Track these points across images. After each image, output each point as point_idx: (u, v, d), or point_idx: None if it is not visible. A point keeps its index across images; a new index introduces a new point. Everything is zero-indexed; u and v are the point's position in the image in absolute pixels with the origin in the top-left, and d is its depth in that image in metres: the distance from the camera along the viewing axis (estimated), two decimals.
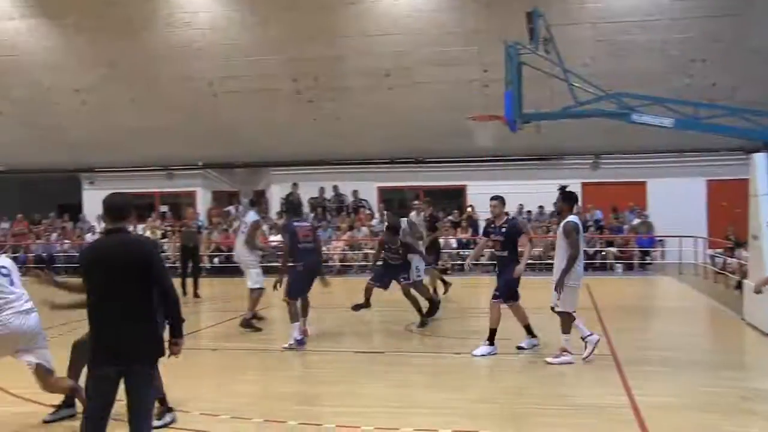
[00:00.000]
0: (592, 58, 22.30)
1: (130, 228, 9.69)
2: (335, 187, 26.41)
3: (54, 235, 27.44)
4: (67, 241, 26.97)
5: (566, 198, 9.99)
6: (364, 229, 25.40)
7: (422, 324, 12.78)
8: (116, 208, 5.42)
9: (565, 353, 9.66)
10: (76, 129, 26.93)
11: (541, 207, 25.24)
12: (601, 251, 23.70)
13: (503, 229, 10.63)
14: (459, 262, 24.16)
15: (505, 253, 10.54)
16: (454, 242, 24.56)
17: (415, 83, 23.82)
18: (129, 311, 5.11)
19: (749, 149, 13.87)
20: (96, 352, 5.17)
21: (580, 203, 24.87)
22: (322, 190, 26.77)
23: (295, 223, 11.50)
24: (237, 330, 12.59)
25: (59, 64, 25.41)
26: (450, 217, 25.43)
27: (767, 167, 12.15)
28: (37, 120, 26.88)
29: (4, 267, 6.90)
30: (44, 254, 26.58)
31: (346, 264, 24.46)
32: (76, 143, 27.32)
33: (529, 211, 25.37)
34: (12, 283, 6.85)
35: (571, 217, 9.79)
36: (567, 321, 9.78)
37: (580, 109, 13.54)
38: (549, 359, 9.70)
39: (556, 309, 9.86)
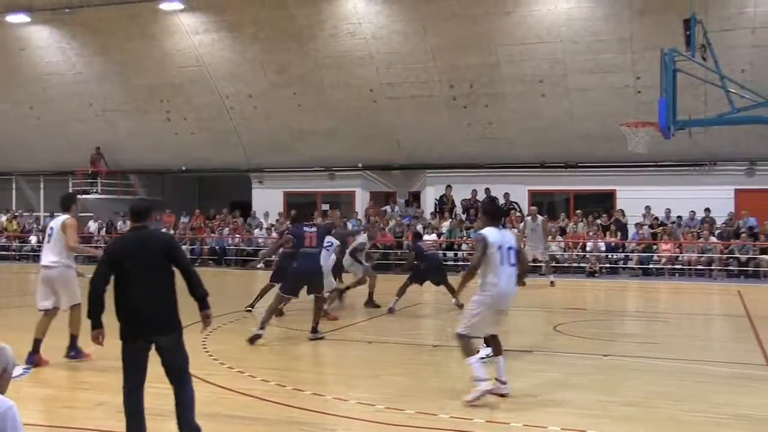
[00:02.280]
0: (750, 64, 21.47)
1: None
2: (487, 190, 26.24)
3: (226, 230, 28.52)
4: (237, 235, 27.93)
5: (484, 209, 8.23)
6: (515, 231, 24.95)
7: None
8: (139, 211, 6.07)
9: (478, 382, 7.41)
10: (248, 132, 28.09)
11: (692, 212, 24.25)
12: (754, 258, 22.47)
13: None
14: (607, 265, 23.64)
15: None
16: (602, 245, 23.86)
17: (568, 90, 23.57)
18: (153, 292, 5.76)
19: None
20: (128, 326, 5.77)
21: (732, 210, 23.89)
22: (474, 192, 26.65)
23: (305, 229, 11.25)
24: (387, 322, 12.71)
25: (235, 72, 26.59)
26: (599, 221, 24.81)
27: None
28: (214, 124, 28.21)
29: None
30: (217, 247, 27.72)
31: None
32: (248, 145, 28.45)
33: (679, 217, 24.41)
34: None
35: (486, 230, 7.49)
36: (463, 346, 7.57)
37: (738, 116, 13.05)
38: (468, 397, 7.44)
39: (456, 330, 7.70)
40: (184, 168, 30.56)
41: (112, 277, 5.86)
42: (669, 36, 14.56)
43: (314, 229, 11.25)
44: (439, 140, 26.02)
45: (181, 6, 25.38)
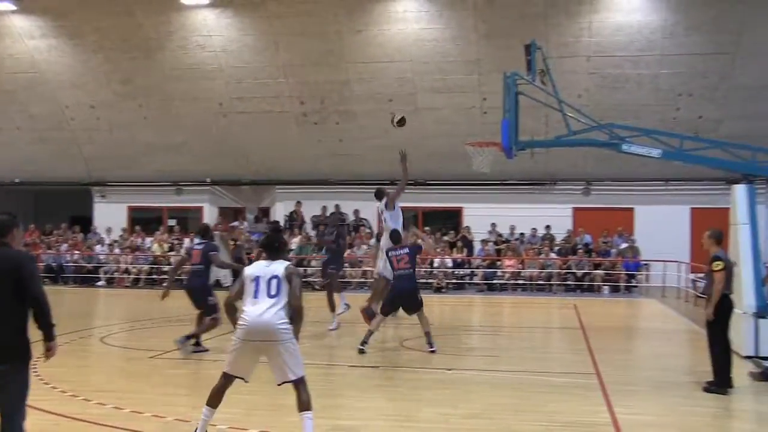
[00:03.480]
0: (586, 89, 22.62)
1: (139, 241, 10.43)
2: (337, 206, 26.45)
3: (64, 246, 27.42)
4: (77, 251, 26.94)
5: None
6: (364, 247, 25.36)
7: None
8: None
9: None
10: (90, 144, 27.16)
11: (534, 229, 25.38)
12: (589, 273, 23.82)
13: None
14: (453, 281, 24.31)
15: None
16: (449, 262, 24.57)
17: (417, 109, 24.02)
18: (1, 316, 5.44)
19: (731, 180, 13.98)
20: None
21: (570, 227, 25.23)
22: (324, 208, 26.74)
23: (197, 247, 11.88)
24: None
25: (76, 82, 25.64)
26: (446, 237, 25.52)
27: (747, 198, 12.25)
28: (52, 135, 27.08)
29: None
30: (54, 264, 26.60)
31: (344, 281, 24.25)
32: (90, 158, 27.53)
33: (522, 233, 25.51)
34: None
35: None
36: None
37: (574, 138, 13.63)
38: None
39: None
40: (17, 180, 29.13)
41: None
42: (513, 60, 15.15)
43: (202, 245, 11.39)
44: (290, 156, 26.04)
45: (13, 7, 24.14)
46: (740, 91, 22.28)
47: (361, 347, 11.88)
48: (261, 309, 6.69)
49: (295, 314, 6.87)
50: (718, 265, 9.51)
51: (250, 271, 6.92)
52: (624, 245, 24.45)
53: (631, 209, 25.68)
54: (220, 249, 14.79)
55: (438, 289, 23.61)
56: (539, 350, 12.20)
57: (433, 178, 26.20)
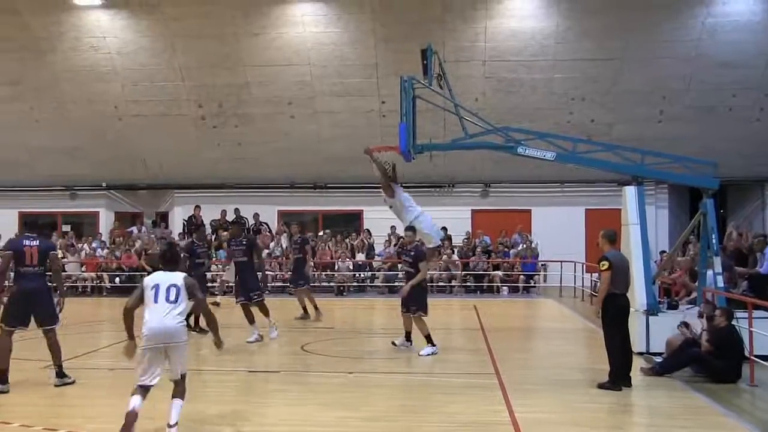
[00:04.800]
0: (482, 93, 22.94)
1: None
2: (236, 210, 26.14)
3: None
4: None
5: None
6: (264, 251, 24.99)
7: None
8: None
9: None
10: None
11: None
12: (488, 274, 24.12)
13: (412, 253, 12.31)
14: (354, 283, 24.30)
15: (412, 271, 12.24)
16: (350, 264, 24.52)
17: (316, 112, 24.01)
18: None
19: (622, 182, 14.35)
20: None
21: (468, 229, 25.60)
22: (224, 212, 26.43)
23: (25, 242, 9.70)
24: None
25: None
26: (347, 240, 25.50)
27: (636, 199, 12.59)
28: None
29: None
30: None
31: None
32: None
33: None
34: None
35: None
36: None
37: (470, 142, 13.69)
38: None
39: None
40: None
41: None
42: (411, 64, 15.10)
43: (36, 243, 9.61)
44: (188, 160, 25.62)
45: None
46: (629, 96, 22.97)
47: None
48: (162, 314, 7.23)
49: (206, 319, 8.06)
50: (603, 265, 9.73)
51: (149, 280, 7.41)
52: (522, 246, 24.87)
53: (528, 211, 26.20)
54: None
55: (339, 292, 23.54)
56: (440, 351, 12.22)
57: (333, 181, 26.38)
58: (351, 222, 27.18)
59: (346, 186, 26.20)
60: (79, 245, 26.03)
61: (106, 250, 25.79)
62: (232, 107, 24.31)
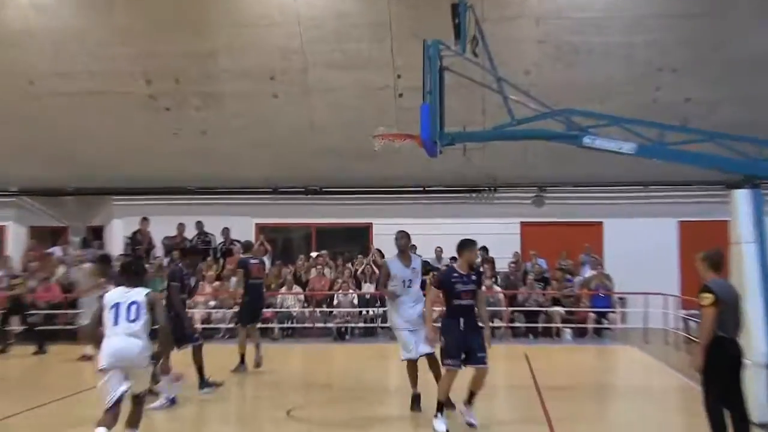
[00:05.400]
0: (535, 64, 22.75)
1: None
2: (199, 224, 26.15)
3: None
4: None
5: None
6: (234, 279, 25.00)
7: None
8: None
9: None
10: None
11: None
12: (544, 311, 23.94)
13: (473, 277, 11.90)
14: (361, 324, 24.52)
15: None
16: (354, 298, 24.58)
17: (308, 90, 23.87)
18: None
19: (730, 184, 14.26)
20: None
21: (517, 248, 25.53)
22: (181, 227, 26.54)
23: None
24: None
25: None
26: (351, 265, 25.56)
27: (751, 207, 12.32)
28: None
29: None
30: None
31: (210, 327, 24.08)
32: None
33: (453, 258, 25.34)
34: None
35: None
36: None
37: (519, 130, 13.66)
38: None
39: None
40: None
41: None
42: (437, 23, 15.04)
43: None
44: (132, 154, 25.56)
45: None
46: (739, 65, 22.55)
47: None
48: (121, 335, 9.37)
49: (161, 338, 9.92)
50: (706, 299, 9.63)
51: (108, 297, 9.50)
52: (590, 273, 24.75)
53: (598, 224, 26.26)
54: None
55: (340, 335, 23.56)
56: (484, 419, 12.05)
57: (330, 185, 26.49)
58: (355, 239, 27.33)
59: (350, 191, 26.33)
60: None
61: (16, 280, 25.49)
62: (192, 83, 24.17)
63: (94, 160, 26.10)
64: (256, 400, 13.42)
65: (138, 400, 9.71)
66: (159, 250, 26.95)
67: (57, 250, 27.33)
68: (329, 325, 24.05)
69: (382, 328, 24.23)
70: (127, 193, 27.38)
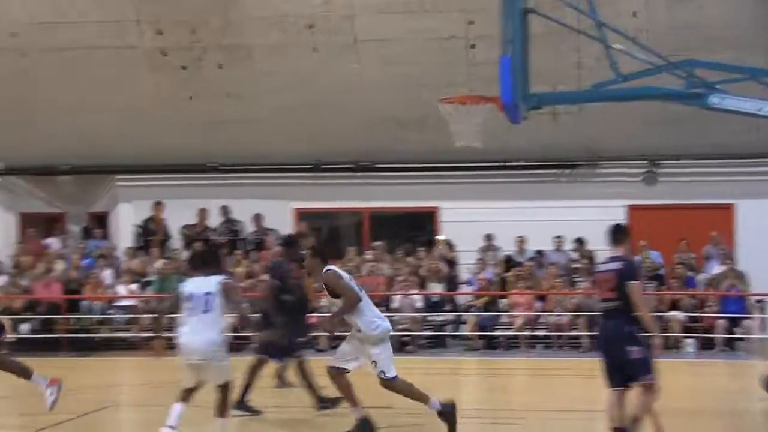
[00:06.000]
0: (645, 3, 22.41)
1: None
2: (225, 209, 26.50)
3: None
4: None
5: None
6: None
7: None
8: None
9: None
10: None
11: (558, 242, 25.51)
12: (660, 317, 23.32)
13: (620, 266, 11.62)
14: (428, 333, 24.44)
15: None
16: (418, 301, 24.37)
17: (356, 43, 23.83)
18: None
19: None
20: None
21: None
22: (203, 213, 26.73)
23: None
24: None
25: None
26: (413, 258, 25.51)
27: None
28: None
29: None
30: None
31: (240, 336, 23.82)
32: None
33: (539, 251, 25.37)
34: None
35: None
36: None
37: (625, 89, 13.66)
38: None
39: None
40: None
41: None
42: None
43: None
44: (139, 124, 25.67)
45: None
46: None
47: None
48: (192, 326, 11.02)
49: (244, 323, 12.78)
50: None
51: (185, 288, 11.25)
52: (718, 269, 24.34)
53: (728, 207, 25.81)
54: None
55: (401, 346, 23.19)
56: None
57: (385, 160, 26.45)
58: (418, 228, 27.34)
59: (409, 167, 26.36)
60: None
61: (2, 278, 25.96)
62: (213, 34, 24.34)
63: (94, 131, 26.21)
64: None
65: (222, 390, 11.34)
66: (176, 241, 27.05)
67: (54, 242, 27.57)
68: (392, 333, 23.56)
69: (453, 337, 24.38)
70: (135, 171, 27.61)
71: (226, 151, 26.39)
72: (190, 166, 26.97)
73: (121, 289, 24.95)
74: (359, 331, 11.89)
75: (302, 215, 27.18)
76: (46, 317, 24.40)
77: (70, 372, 20.26)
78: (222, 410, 11.45)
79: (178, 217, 26.92)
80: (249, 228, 27.02)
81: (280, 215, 26.87)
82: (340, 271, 12.11)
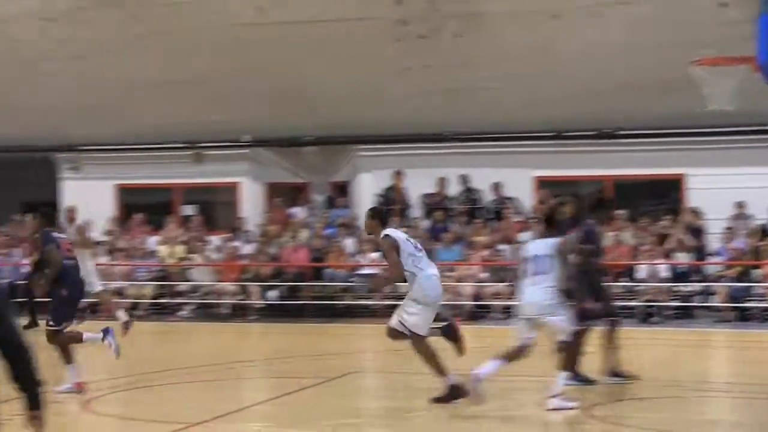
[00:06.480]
0: None
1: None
2: (464, 178, 26.30)
3: (18, 251, 27.38)
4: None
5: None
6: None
7: None
8: None
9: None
10: (47, 85, 26.99)
11: None
12: None
13: None
14: (675, 303, 23.78)
15: None
16: (664, 270, 23.68)
17: (600, 5, 23.18)
18: None
19: None
20: None
21: None
22: (442, 182, 26.68)
23: (55, 234, 13.50)
24: None
25: None
26: (657, 227, 24.99)
27: None
28: None
29: None
30: (9, 281, 26.15)
31: (482, 303, 24.20)
32: (49, 108, 27.36)
33: None
34: None
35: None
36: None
37: None
38: None
39: None
40: None
41: None
42: None
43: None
44: (380, 96, 25.78)
45: None
46: None
47: None
48: (531, 287, 12.03)
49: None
50: None
51: (528, 248, 12.56)
52: None
53: None
54: None
55: (646, 318, 23.02)
56: None
57: (629, 126, 25.72)
58: (663, 195, 26.89)
59: (654, 133, 25.64)
60: (209, 238, 26.97)
61: (250, 246, 26.33)
62: (450, 2, 24.06)
63: (334, 102, 26.44)
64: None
65: (562, 347, 12.07)
66: (416, 210, 27.09)
67: (299, 211, 27.93)
68: (632, 303, 23.36)
69: (702, 308, 23.91)
70: (375, 141, 27.66)
71: (465, 119, 26.06)
72: (429, 135, 26.85)
73: (363, 258, 24.98)
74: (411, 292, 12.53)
75: (542, 183, 26.77)
76: (292, 284, 24.69)
77: (315, 338, 20.57)
78: (565, 366, 12.16)
79: (418, 186, 26.96)
80: (488, 197, 26.73)
81: (520, 183, 26.66)
82: (398, 237, 12.57)
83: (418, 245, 13.00)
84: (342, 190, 28.51)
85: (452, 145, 26.83)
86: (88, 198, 28.41)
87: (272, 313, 24.40)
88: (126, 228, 27.93)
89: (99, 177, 28.89)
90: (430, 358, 12.41)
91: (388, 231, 12.65)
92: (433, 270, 12.78)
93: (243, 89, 26.15)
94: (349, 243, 25.42)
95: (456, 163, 26.55)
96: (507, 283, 23.37)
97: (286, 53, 25.26)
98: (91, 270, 17.15)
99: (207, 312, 24.97)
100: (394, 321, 12.70)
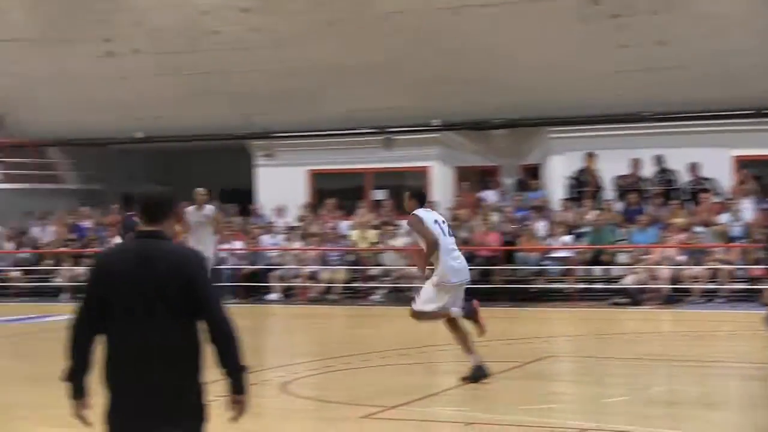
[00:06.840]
0: None
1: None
2: (658, 159, 25.65)
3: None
4: (237, 242, 27.33)
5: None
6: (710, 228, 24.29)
7: None
8: (152, 205, 5.88)
9: None
10: (244, 73, 27.44)
11: None
12: None
13: None
14: None
15: None
16: None
17: None
18: (158, 352, 5.65)
19: None
20: (113, 410, 5.65)
21: None
22: (636, 163, 26.14)
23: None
24: None
25: None
26: None
27: None
28: (184, 60, 27.72)
29: None
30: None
31: (679, 287, 23.43)
32: (243, 96, 27.82)
33: None
34: None
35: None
36: None
37: None
38: None
39: None
40: (141, 135, 30.19)
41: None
42: None
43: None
44: (571, 76, 25.60)
45: None
46: None
47: None
48: None
49: None
50: None
51: None
52: None
53: None
54: None
55: None
56: None
57: None
58: None
59: None
60: (400, 222, 26.39)
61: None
62: None
63: (524, 84, 26.27)
64: None
65: None
66: (609, 192, 26.57)
67: (490, 195, 27.68)
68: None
69: None
70: (566, 123, 27.09)
71: (660, 99, 25.45)
72: (622, 115, 26.25)
73: (555, 241, 24.56)
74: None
75: (742, 163, 25.94)
76: (483, 268, 24.38)
77: (508, 322, 20.23)
78: None
79: (611, 167, 26.36)
80: (684, 177, 25.98)
81: (718, 163, 25.78)
82: (425, 217, 13.02)
83: (446, 230, 13.50)
84: (533, 172, 28.17)
85: (646, 126, 26.21)
86: (282, 184, 28.78)
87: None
88: (318, 213, 28.05)
89: (292, 163, 29.11)
90: (457, 331, 13.50)
91: (418, 211, 13.08)
92: (456, 254, 13.57)
93: (432, 73, 26.14)
94: (540, 226, 24.91)
95: (650, 144, 25.89)
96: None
97: (475, 38, 25.21)
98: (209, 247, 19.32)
99: (399, 296, 24.78)
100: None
